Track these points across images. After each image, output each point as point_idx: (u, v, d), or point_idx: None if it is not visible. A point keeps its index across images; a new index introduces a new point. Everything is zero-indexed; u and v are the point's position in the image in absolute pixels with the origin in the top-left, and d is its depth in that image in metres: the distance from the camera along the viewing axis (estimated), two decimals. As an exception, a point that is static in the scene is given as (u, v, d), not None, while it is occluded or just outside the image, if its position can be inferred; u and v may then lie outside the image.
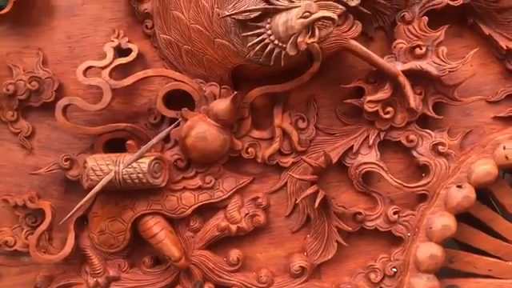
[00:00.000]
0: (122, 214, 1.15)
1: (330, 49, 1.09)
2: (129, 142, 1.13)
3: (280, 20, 0.98)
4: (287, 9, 0.98)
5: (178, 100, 1.13)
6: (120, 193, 1.13)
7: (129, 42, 1.16)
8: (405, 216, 1.16)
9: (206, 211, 1.18)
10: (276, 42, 0.99)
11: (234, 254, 1.17)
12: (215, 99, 1.12)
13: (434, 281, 1.14)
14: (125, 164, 1.08)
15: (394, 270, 1.17)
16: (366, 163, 1.15)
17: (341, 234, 1.16)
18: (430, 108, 1.14)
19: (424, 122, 1.15)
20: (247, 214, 1.17)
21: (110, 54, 1.13)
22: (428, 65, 1.10)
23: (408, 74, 1.10)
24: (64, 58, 1.18)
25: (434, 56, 1.11)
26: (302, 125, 1.16)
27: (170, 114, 1.14)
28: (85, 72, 1.11)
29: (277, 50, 1.00)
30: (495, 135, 1.15)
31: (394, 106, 1.13)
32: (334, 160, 1.15)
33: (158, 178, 1.10)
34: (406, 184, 1.15)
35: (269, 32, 0.99)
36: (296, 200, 1.17)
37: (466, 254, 1.19)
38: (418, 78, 1.12)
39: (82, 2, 1.18)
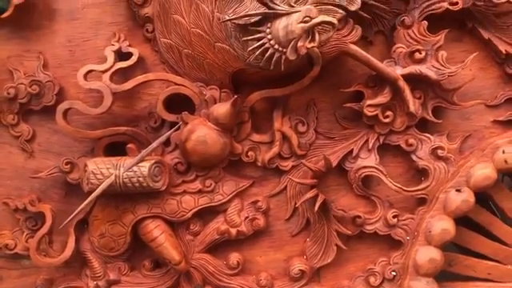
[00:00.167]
0: (123, 218, 1.15)
1: (330, 53, 1.09)
2: (129, 145, 1.13)
3: (280, 25, 0.98)
4: (287, 13, 0.98)
5: (179, 104, 1.14)
6: (120, 196, 1.14)
7: (129, 45, 1.17)
8: (404, 220, 1.16)
9: (205, 215, 1.18)
10: (276, 46, 1.00)
11: (234, 257, 1.18)
12: (215, 103, 1.12)
13: (433, 284, 1.14)
14: (125, 168, 1.08)
15: (394, 273, 1.17)
16: (365, 167, 1.15)
17: (340, 237, 1.17)
18: (430, 112, 1.14)
19: (423, 126, 1.16)
20: (247, 217, 1.17)
21: (111, 57, 1.14)
22: (427, 69, 1.11)
23: (407, 78, 1.11)
24: (65, 61, 1.19)
25: (434, 60, 1.12)
26: (301, 128, 1.16)
27: (171, 117, 1.14)
28: (85, 76, 1.12)
29: (277, 55, 1.00)
30: (494, 139, 1.15)
31: (393, 110, 1.14)
32: (334, 164, 1.15)
33: (158, 181, 1.11)
34: (405, 188, 1.15)
35: (269, 36, 1.00)
36: (296, 203, 1.18)
37: (465, 258, 1.19)
38: (417, 82, 1.12)
39: (82, 5, 1.19)
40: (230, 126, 1.12)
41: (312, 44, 0.98)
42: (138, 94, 1.17)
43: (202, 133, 1.10)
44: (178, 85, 1.13)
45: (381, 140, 1.16)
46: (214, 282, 1.18)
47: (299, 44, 0.98)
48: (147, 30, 1.17)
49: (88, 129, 1.16)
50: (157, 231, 1.14)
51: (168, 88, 1.14)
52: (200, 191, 1.16)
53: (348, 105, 1.15)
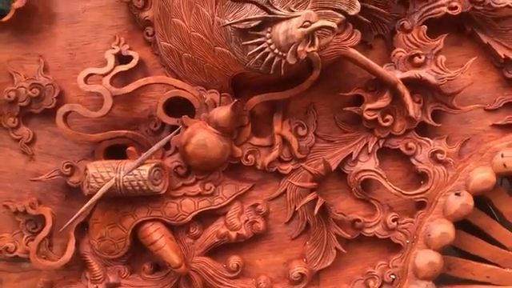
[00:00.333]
0: (123, 221, 1.15)
1: (330, 57, 1.10)
2: (129, 148, 1.13)
3: (280, 29, 0.99)
4: (287, 18, 0.99)
5: (179, 107, 1.14)
6: (120, 199, 1.14)
7: (129, 49, 1.17)
8: (403, 223, 1.17)
9: (205, 218, 1.18)
10: (276, 50, 1.00)
11: (234, 260, 1.18)
12: (215, 107, 1.13)
13: (432, 288, 1.15)
14: (125, 171, 1.09)
15: (393, 276, 1.18)
16: (365, 170, 1.16)
17: (340, 240, 1.17)
18: (429, 116, 1.15)
19: (423, 129, 1.16)
20: (247, 220, 1.17)
21: (111, 61, 1.14)
22: (427, 73, 1.11)
23: (407, 82, 1.11)
24: (65, 64, 1.19)
25: (433, 64, 1.12)
26: (301, 132, 1.17)
27: (171, 121, 1.14)
28: (86, 79, 1.12)
29: (277, 59, 1.01)
30: (493, 143, 1.16)
31: (393, 114, 1.14)
32: (334, 167, 1.16)
33: (158, 185, 1.11)
34: (404, 191, 1.15)
35: (269, 41, 1.00)
36: (295, 207, 1.18)
37: (464, 261, 1.19)
38: (416, 86, 1.13)
39: (82, 9, 1.19)
40: (230, 130, 1.12)
41: (312, 48, 0.99)
42: (139, 97, 1.17)
43: (201, 136, 1.10)
44: (178, 88, 1.14)
45: (380, 144, 1.16)
46: (213, 285, 1.18)
47: (299, 48, 0.98)
48: (147, 34, 1.17)
49: (88, 132, 1.16)
50: (157, 234, 1.14)
51: (168, 91, 1.14)
52: (200, 194, 1.16)
53: (348, 108, 1.15)
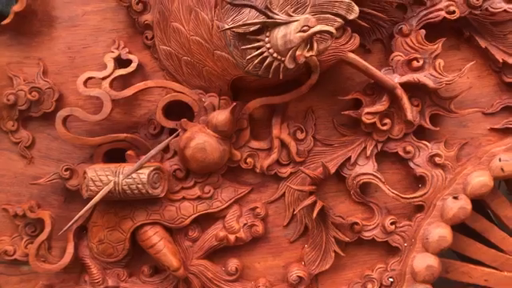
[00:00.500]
0: (122, 224, 1.15)
1: (328, 61, 1.10)
2: (128, 152, 1.14)
3: (279, 34, 0.99)
4: (286, 23, 0.99)
5: (178, 111, 1.14)
6: (119, 203, 1.14)
7: (129, 52, 1.17)
8: (402, 226, 1.17)
9: (204, 221, 1.18)
10: (275, 55, 1.00)
11: (233, 263, 1.18)
12: (214, 110, 1.13)
13: (430, 291, 1.15)
14: (124, 174, 1.09)
15: (391, 279, 1.18)
16: (363, 174, 1.16)
17: (338, 244, 1.17)
18: (427, 120, 1.15)
19: (421, 133, 1.17)
20: (246, 223, 1.17)
21: (110, 64, 1.14)
22: (425, 77, 1.12)
23: (405, 86, 1.12)
24: (64, 68, 1.19)
25: (431, 68, 1.12)
26: (300, 135, 1.17)
27: (170, 124, 1.15)
28: (85, 83, 1.12)
29: (275, 63, 1.01)
30: (491, 147, 1.16)
31: (391, 118, 1.14)
32: (332, 170, 1.16)
33: (157, 188, 1.11)
34: (402, 195, 1.16)
35: (268, 45, 1.00)
36: (294, 210, 1.18)
37: (462, 264, 1.20)
38: (415, 90, 1.13)
39: (82, 12, 1.19)
40: (229, 133, 1.13)
41: (310, 53, 0.99)
42: (138, 100, 1.18)
43: (200, 140, 1.10)
44: (178, 92, 1.14)
45: (379, 147, 1.16)
46: (212, 288, 1.19)
47: (297, 53, 0.99)
48: (147, 37, 1.17)
49: (87, 135, 1.16)
50: (155, 238, 1.15)
51: (167, 95, 1.14)
52: (199, 198, 1.16)
53: (346, 112, 1.15)
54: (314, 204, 1.13)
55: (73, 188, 1.16)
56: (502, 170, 1.13)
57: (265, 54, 1.01)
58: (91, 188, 1.09)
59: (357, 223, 1.16)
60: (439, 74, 1.12)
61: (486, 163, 1.14)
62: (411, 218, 1.17)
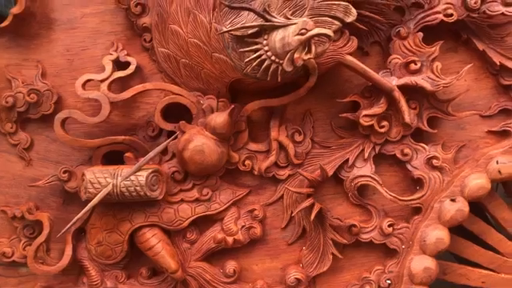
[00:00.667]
0: (120, 226, 1.15)
1: (327, 64, 1.10)
2: (127, 154, 1.14)
3: (277, 36, 0.99)
4: (284, 26, 0.99)
5: (176, 113, 1.15)
6: (117, 205, 1.14)
7: (127, 55, 1.17)
8: (399, 229, 1.17)
9: (202, 223, 1.19)
10: (273, 57, 1.01)
11: (231, 265, 1.18)
12: (213, 112, 1.13)
13: (427, 293, 1.16)
14: (123, 177, 1.09)
15: (389, 281, 1.18)
16: (361, 176, 1.17)
17: (336, 246, 1.17)
18: (425, 122, 1.16)
19: (418, 135, 1.17)
20: (244, 226, 1.18)
21: (109, 67, 1.14)
22: (423, 80, 1.12)
23: (403, 88, 1.12)
24: (63, 70, 1.19)
25: (429, 71, 1.13)
26: (298, 138, 1.17)
27: (168, 126, 1.15)
28: (84, 85, 1.12)
29: (274, 66, 1.01)
30: (489, 149, 1.17)
31: (389, 120, 1.15)
32: (330, 173, 1.16)
33: (155, 190, 1.12)
34: (400, 197, 1.16)
35: (266, 48, 1.01)
36: (292, 212, 1.19)
37: (460, 266, 1.20)
38: (412, 92, 1.14)
39: (81, 15, 1.19)
40: (228, 136, 1.13)
41: (308, 56, 0.99)
42: (136, 103, 1.18)
43: (199, 142, 1.11)
44: (176, 94, 1.14)
45: (376, 149, 1.17)
46: (210, 290, 1.19)
47: (295, 56, 0.99)
48: (145, 40, 1.17)
49: (86, 137, 1.16)
50: (154, 240, 1.15)
51: (166, 97, 1.14)
52: (197, 200, 1.16)
53: (344, 115, 1.16)
54: (311, 206, 1.14)
55: (71, 190, 1.17)
56: (500, 172, 1.13)
57: (263, 57, 1.02)
58: (90, 190, 1.09)
59: (354, 225, 1.17)
60: (437, 76, 1.12)
61: (483, 165, 1.15)
62: (409, 221, 1.18)
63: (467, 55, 1.18)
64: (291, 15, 1.02)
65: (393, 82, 1.12)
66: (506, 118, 1.18)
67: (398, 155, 1.16)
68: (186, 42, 1.11)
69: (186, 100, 1.14)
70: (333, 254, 1.18)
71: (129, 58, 1.16)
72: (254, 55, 1.02)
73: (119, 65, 1.16)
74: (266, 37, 1.01)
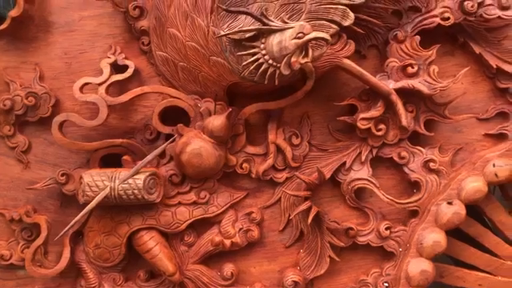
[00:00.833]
0: (118, 229, 1.16)
1: (324, 67, 1.11)
2: (124, 157, 1.14)
3: (274, 40, 1.00)
4: (281, 29, 0.99)
5: (174, 116, 1.15)
6: (115, 208, 1.14)
7: (125, 58, 1.17)
8: (396, 231, 1.18)
9: (200, 226, 1.19)
10: (270, 61, 1.01)
11: (228, 268, 1.19)
12: (210, 115, 1.13)
13: (425, 295, 1.16)
14: (120, 180, 1.09)
15: (386, 284, 1.19)
16: (358, 179, 1.17)
17: (333, 249, 1.18)
18: (422, 125, 1.16)
19: (415, 138, 1.17)
20: (241, 228, 1.18)
21: (107, 70, 1.14)
22: (420, 83, 1.13)
23: (400, 92, 1.12)
24: (61, 73, 1.19)
25: (426, 75, 1.13)
26: (295, 141, 1.17)
27: (166, 129, 1.15)
28: (81, 88, 1.12)
29: (271, 70, 1.02)
30: (485, 152, 1.17)
31: (386, 124, 1.15)
32: (327, 176, 1.16)
33: (153, 193, 1.12)
34: (397, 200, 1.16)
35: (263, 52, 1.01)
36: (289, 215, 1.19)
37: (457, 269, 1.20)
38: (409, 95, 1.14)
39: (79, 18, 1.19)
40: (225, 139, 1.13)
41: (305, 59, 1.00)
42: (134, 106, 1.18)
43: (196, 145, 1.11)
44: (174, 97, 1.14)
45: (374, 152, 1.17)
46: (208, 292, 1.19)
47: (293, 59, 0.99)
48: (143, 43, 1.18)
49: (84, 140, 1.16)
50: (151, 242, 1.15)
51: (163, 100, 1.14)
52: (195, 203, 1.16)
53: (341, 118, 1.16)
54: (309, 209, 1.14)
55: (69, 193, 1.17)
56: (496, 175, 1.13)
57: (260, 61, 1.02)
58: (87, 193, 1.09)
59: (352, 228, 1.17)
60: (433, 80, 1.13)
61: (480, 169, 1.15)
62: (406, 223, 1.18)
63: (464, 58, 1.19)
64: (288, 19, 1.02)
65: (390, 85, 1.13)
66: (503, 121, 1.19)
67: (395, 158, 1.17)
68: (183, 45, 1.11)
69: (183, 103, 1.14)
70: (330, 256, 1.18)
71: (127, 61, 1.17)
72: (252, 59, 1.02)
73: (117, 68, 1.17)
74: (263, 40, 1.01)
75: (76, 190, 1.14)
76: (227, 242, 1.17)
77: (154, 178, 1.12)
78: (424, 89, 1.12)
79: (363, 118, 1.14)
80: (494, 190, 1.25)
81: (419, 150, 1.16)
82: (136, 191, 1.09)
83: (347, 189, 1.17)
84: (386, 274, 1.18)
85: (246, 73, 1.05)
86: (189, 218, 1.16)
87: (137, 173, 1.10)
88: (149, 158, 1.12)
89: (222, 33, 1.04)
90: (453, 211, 1.13)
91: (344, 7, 1.05)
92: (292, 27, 0.99)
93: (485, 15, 1.14)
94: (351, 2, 1.05)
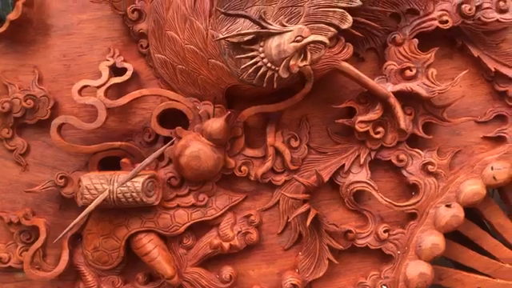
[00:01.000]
0: (116, 232, 1.16)
1: (322, 70, 1.11)
2: (123, 160, 1.14)
3: (273, 43, 1.00)
4: (280, 33, 1.00)
5: (173, 118, 1.15)
6: (114, 210, 1.14)
7: (124, 60, 1.17)
8: (395, 234, 1.18)
9: (199, 228, 1.19)
10: (269, 64, 1.01)
11: (227, 271, 1.18)
12: (209, 118, 1.13)
13: (423, 298, 1.16)
14: (119, 183, 1.09)
15: (384, 287, 1.19)
16: (357, 182, 1.17)
17: (332, 251, 1.18)
18: (420, 128, 1.16)
19: (414, 141, 1.17)
20: (240, 231, 1.18)
21: (105, 72, 1.14)
22: (418, 86, 1.13)
23: (398, 95, 1.12)
24: (59, 76, 1.19)
25: (424, 78, 1.13)
26: (294, 144, 1.17)
27: (165, 132, 1.15)
28: (80, 91, 1.12)
29: (270, 73, 1.02)
30: (484, 155, 1.17)
31: (384, 126, 1.15)
32: (326, 178, 1.17)
33: (151, 196, 1.12)
34: (395, 203, 1.16)
35: (262, 55, 1.01)
36: (288, 218, 1.19)
37: (455, 272, 1.21)
38: (408, 98, 1.14)
39: (77, 21, 1.19)
40: (224, 141, 1.13)
41: (304, 63, 1.00)
42: (132, 108, 1.18)
43: (195, 148, 1.11)
44: (172, 100, 1.14)
45: (372, 155, 1.17)
46: (206, 295, 1.19)
47: (291, 63, 0.99)
48: (142, 46, 1.18)
49: (82, 143, 1.16)
50: (150, 245, 1.15)
51: (162, 103, 1.15)
52: (193, 205, 1.16)
53: (340, 121, 1.16)
54: (307, 212, 1.14)
55: (68, 196, 1.17)
56: (495, 178, 1.14)
57: (259, 64, 1.02)
58: (86, 196, 1.09)
59: (350, 231, 1.17)
60: (432, 82, 1.13)
61: (478, 171, 1.15)
62: (404, 226, 1.18)
63: (462, 61, 1.19)
64: (287, 22, 1.02)
65: (388, 88, 1.13)
66: (501, 124, 1.19)
67: (394, 161, 1.17)
68: (182, 48, 1.11)
69: (182, 106, 1.14)
70: (329, 259, 1.18)
71: (125, 64, 1.16)
72: (250, 62, 1.02)
73: (116, 71, 1.16)
74: (261, 44, 1.01)
75: (75, 192, 1.14)
76: (226, 245, 1.17)
77: (153, 181, 1.12)
78: (422, 92, 1.12)
79: (361, 121, 1.14)
80: (492, 192, 1.26)
81: (418, 152, 1.16)
82: (135, 194, 1.09)
83: (346, 191, 1.17)
84: (384, 277, 1.19)
85: (244, 76, 1.05)
86: (187, 221, 1.16)
87: (135, 176, 1.10)
88: (147, 160, 1.12)
89: (221, 36, 1.04)
90: (451, 214, 1.13)
91: (342, 10, 1.05)
92: (290, 30, 0.99)
93: (483, 18, 1.14)
94: (349, 5, 1.05)
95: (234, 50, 1.05)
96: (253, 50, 1.02)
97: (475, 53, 1.17)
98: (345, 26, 1.06)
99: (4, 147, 1.19)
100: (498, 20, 1.14)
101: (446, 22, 1.14)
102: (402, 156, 1.16)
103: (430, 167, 1.16)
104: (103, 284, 1.20)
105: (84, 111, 1.18)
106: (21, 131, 1.20)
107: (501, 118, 1.19)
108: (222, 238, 1.17)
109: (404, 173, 1.17)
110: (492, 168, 1.14)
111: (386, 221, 1.19)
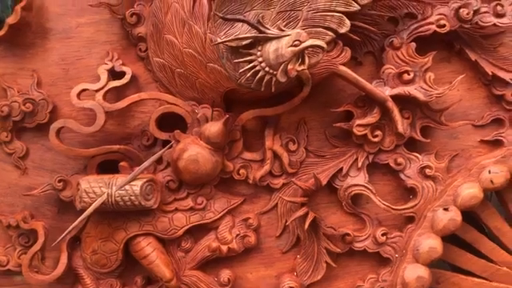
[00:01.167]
0: (115, 235, 1.16)
1: (320, 74, 1.11)
2: (122, 163, 1.14)
3: (271, 48, 1.00)
4: (278, 37, 1.00)
5: (171, 122, 1.15)
6: (112, 213, 1.15)
7: (122, 64, 1.17)
8: (393, 237, 1.18)
9: (197, 232, 1.19)
10: (267, 69, 1.01)
11: (225, 274, 1.19)
12: (207, 122, 1.14)
13: (421, 301, 1.16)
14: (117, 186, 1.09)
15: (382, 290, 1.19)
16: (354, 185, 1.17)
17: (330, 254, 1.18)
18: (418, 132, 1.16)
19: (412, 145, 1.18)
20: (238, 234, 1.18)
21: (104, 76, 1.14)
22: (416, 90, 1.13)
23: (396, 98, 1.13)
24: (58, 79, 1.20)
25: (422, 81, 1.14)
26: (292, 147, 1.18)
27: (163, 136, 1.15)
28: (79, 94, 1.13)
29: (267, 77, 1.02)
30: (481, 159, 1.17)
31: (382, 130, 1.15)
32: (324, 182, 1.17)
33: (150, 199, 1.12)
34: (393, 206, 1.17)
35: (260, 59, 1.01)
36: (286, 221, 1.19)
37: (453, 275, 1.21)
38: (405, 102, 1.14)
39: (76, 24, 1.20)
40: (222, 145, 1.14)
41: (302, 67, 1.00)
42: (131, 112, 1.18)
43: (193, 151, 1.11)
44: (171, 103, 1.14)
45: (370, 159, 1.17)
46: (205, 298, 1.19)
47: (289, 67, 1.00)
48: (140, 49, 1.18)
49: (81, 146, 1.17)
50: (148, 248, 1.15)
51: (161, 107, 1.15)
52: (192, 209, 1.17)
53: (338, 124, 1.17)
54: (305, 215, 1.14)
55: (66, 199, 1.17)
56: (492, 181, 1.14)
57: (257, 68, 1.02)
58: (85, 200, 1.09)
59: (348, 234, 1.17)
60: (430, 86, 1.13)
61: (476, 175, 1.15)
62: (402, 229, 1.18)
63: (460, 65, 1.19)
64: (285, 26, 1.03)
65: (386, 91, 1.13)
66: (499, 128, 1.19)
67: (392, 164, 1.17)
68: (180, 52, 1.12)
69: (180, 109, 1.14)
70: (327, 262, 1.18)
71: (124, 68, 1.17)
72: (248, 66, 1.03)
73: (114, 74, 1.17)
74: (259, 48, 1.02)
75: (73, 196, 1.15)
76: (224, 248, 1.17)
77: (151, 184, 1.12)
78: (420, 95, 1.12)
79: (359, 125, 1.14)
80: (490, 196, 1.26)
81: (415, 156, 1.17)
82: (133, 197, 1.10)
83: (344, 195, 1.18)
84: (382, 280, 1.19)
85: (242, 80, 1.06)
86: (186, 224, 1.16)
87: (134, 179, 1.11)
88: (146, 164, 1.13)
89: (219, 40, 1.04)
90: (449, 217, 1.14)
91: (340, 14, 1.06)
92: (288, 35, 1.00)
93: (480, 22, 1.14)
94: (347, 10, 1.06)
95: (232, 54, 1.05)
96: (251, 54, 1.02)
97: (473, 57, 1.17)
98: (343, 30, 1.07)
99: (3, 151, 1.20)
100: (495, 24, 1.15)
101: (444, 26, 1.14)
102: (400, 159, 1.17)
103: (427, 171, 1.16)
104: (102, 287, 1.20)
105: (83, 115, 1.18)
106: (20, 135, 1.20)
107: (498, 122, 1.20)
108: (220, 241, 1.18)
109: (402, 176, 1.17)
110: (489, 171, 1.14)
111: (383, 224, 1.20)
